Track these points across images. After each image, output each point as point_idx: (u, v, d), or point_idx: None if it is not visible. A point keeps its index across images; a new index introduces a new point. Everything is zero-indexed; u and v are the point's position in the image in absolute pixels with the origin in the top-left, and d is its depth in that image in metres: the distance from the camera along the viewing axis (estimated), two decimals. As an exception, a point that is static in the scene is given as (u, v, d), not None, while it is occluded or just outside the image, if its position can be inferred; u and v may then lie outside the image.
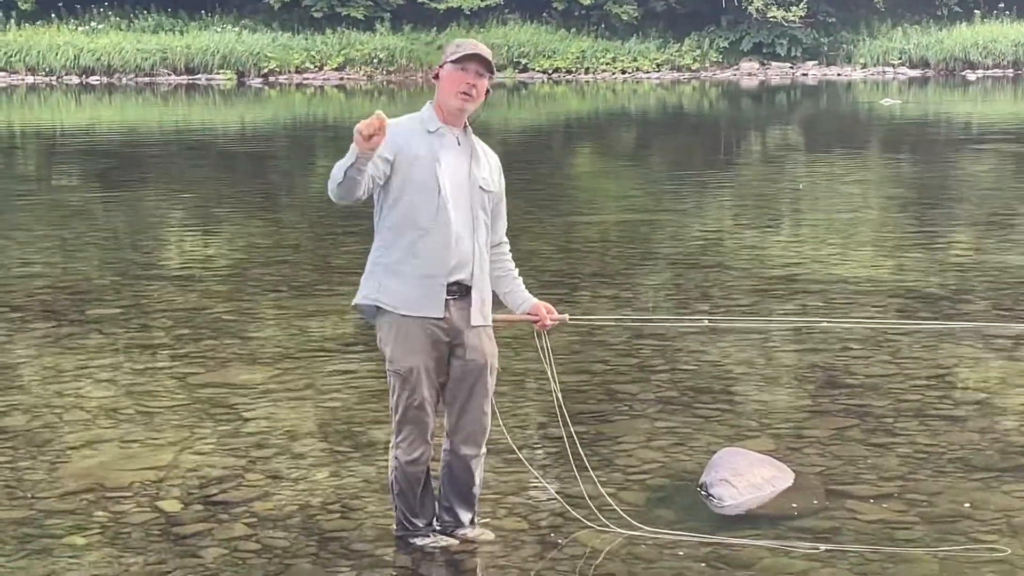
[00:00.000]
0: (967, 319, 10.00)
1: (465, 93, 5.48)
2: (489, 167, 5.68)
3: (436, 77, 5.60)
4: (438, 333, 5.51)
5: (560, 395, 6.16)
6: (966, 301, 10.65)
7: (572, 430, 6.36)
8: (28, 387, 8.45)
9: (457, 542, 5.77)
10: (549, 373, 6.00)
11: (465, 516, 5.84)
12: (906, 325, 9.55)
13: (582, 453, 6.33)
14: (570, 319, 6.12)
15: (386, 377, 5.64)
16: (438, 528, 5.82)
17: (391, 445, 5.68)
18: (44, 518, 6.19)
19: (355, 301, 5.63)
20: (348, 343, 9.34)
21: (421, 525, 5.78)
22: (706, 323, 7.32)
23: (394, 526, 5.84)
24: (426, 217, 5.47)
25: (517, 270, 5.89)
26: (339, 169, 5.25)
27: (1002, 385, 8.16)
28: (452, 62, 5.49)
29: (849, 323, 9.41)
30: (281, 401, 8.05)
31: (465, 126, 5.62)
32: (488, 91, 5.62)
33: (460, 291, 5.54)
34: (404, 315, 5.48)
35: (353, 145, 5.14)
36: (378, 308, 5.53)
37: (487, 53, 5.54)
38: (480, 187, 5.60)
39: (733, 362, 8.89)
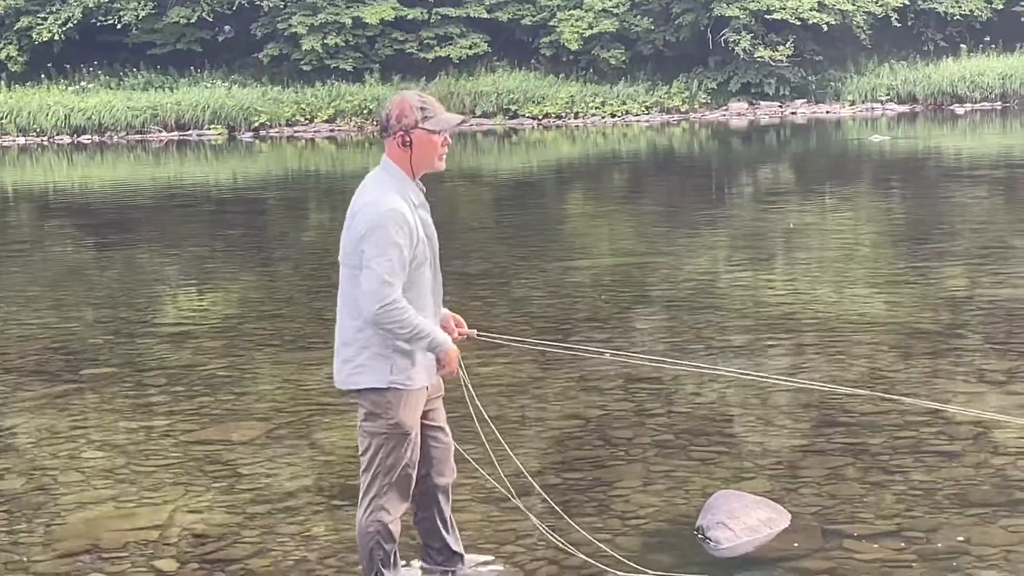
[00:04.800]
0: (960, 353, 10.03)
1: (442, 157, 5.67)
2: None
3: (406, 143, 5.56)
4: (425, 396, 5.75)
5: (476, 398, 6.11)
6: (959, 336, 10.67)
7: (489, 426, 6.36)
8: (22, 449, 8.45)
9: None
10: (465, 389, 6.02)
11: (458, 546, 5.98)
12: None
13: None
14: (477, 334, 6.15)
15: (371, 441, 5.64)
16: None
17: (373, 507, 5.66)
18: (41, 581, 6.20)
19: (368, 386, 5.60)
20: (342, 397, 9.33)
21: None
22: (607, 356, 7.31)
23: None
24: (426, 291, 5.64)
25: None
26: (422, 340, 5.49)
27: (997, 420, 8.15)
28: (431, 128, 5.57)
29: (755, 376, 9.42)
30: (276, 456, 8.05)
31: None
32: None
33: None
34: (413, 389, 5.63)
35: (438, 346, 5.54)
36: (393, 388, 5.60)
37: (463, 118, 5.81)
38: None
39: (728, 404, 8.90)
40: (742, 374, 8.66)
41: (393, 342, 5.52)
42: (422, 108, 5.57)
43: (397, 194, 5.51)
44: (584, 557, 6.04)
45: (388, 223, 5.41)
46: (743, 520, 6.42)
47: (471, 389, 5.98)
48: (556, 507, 6.55)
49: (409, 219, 5.47)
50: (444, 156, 5.64)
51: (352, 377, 5.62)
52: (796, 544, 6.27)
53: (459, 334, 5.94)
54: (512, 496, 6.33)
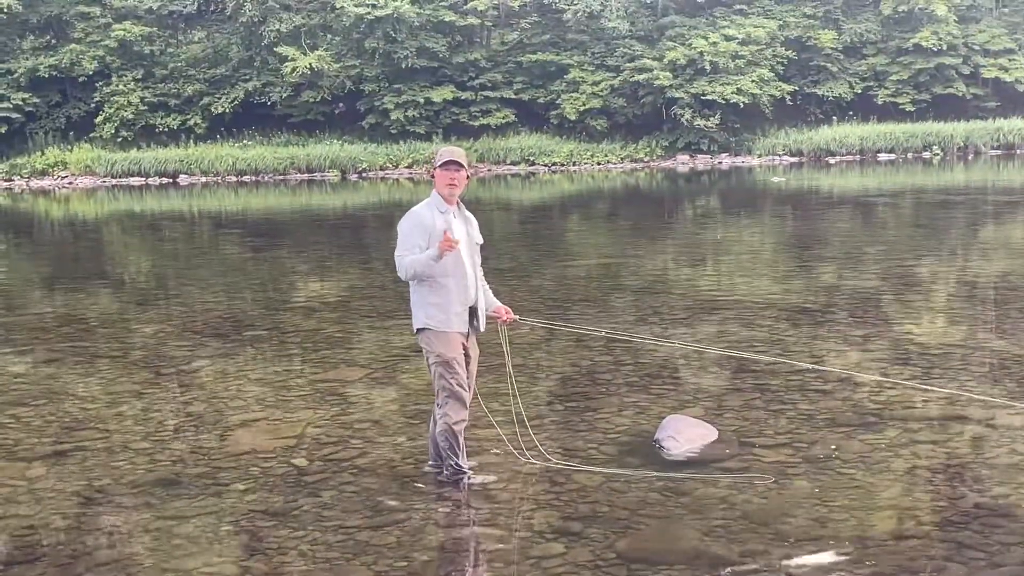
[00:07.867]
0: (832, 323, 9.96)
1: (450, 184, 5.69)
2: (476, 228, 5.91)
3: (432, 176, 5.75)
4: (461, 339, 5.75)
5: (512, 369, 6.24)
6: (831, 312, 10.60)
7: (519, 401, 6.40)
8: (204, 385, 8.48)
9: (482, 479, 5.85)
10: (505, 352, 6.15)
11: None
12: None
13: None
14: (519, 319, 6.23)
15: (431, 371, 5.73)
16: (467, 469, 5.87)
17: (438, 415, 5.74)
18: (217, 472, 6.22)
19: (416, 326, 5.79)
20: (417, 351, 9.30)
21: (466, 467, 5.83)
22: (603, 334, 7.39)
23: (444, 472, 5.85)
24: (451, 269, 5.68)
25: (487, 286, 6.07)
26: (423, 267, 5.54)
27: (858, 368, 8.10)
28: (439, 167, 5.68)
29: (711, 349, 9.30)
30: (373, 390, 8.05)
31: (458, 203, 5.81)
32: (468, 176, 5.82)
33: (472, 312, 5.81)
34: (445, 331, 5.69)
35: (437, 251, 5.46)
36: (428, 328, 5.72)
37: (459, 155, 5.74)
38: (476, 243, 5.86)
39: (676, 358, 8.85)
40: (660, 342, 8.59)
41: (427, 298, 5.65)
42: (440, 156, 5.73)
43: (425, 206, 5.71)
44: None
45: (404, 220, 5.67)
46: (686, 435, 6.40)
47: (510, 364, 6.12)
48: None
49: (425, 218, 5.61)
50: (449, 184, 5.67)
51: (414, 323, 5.78)
52: (721, 451, 6.25)
53: (508, 317, 5.98)
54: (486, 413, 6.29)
